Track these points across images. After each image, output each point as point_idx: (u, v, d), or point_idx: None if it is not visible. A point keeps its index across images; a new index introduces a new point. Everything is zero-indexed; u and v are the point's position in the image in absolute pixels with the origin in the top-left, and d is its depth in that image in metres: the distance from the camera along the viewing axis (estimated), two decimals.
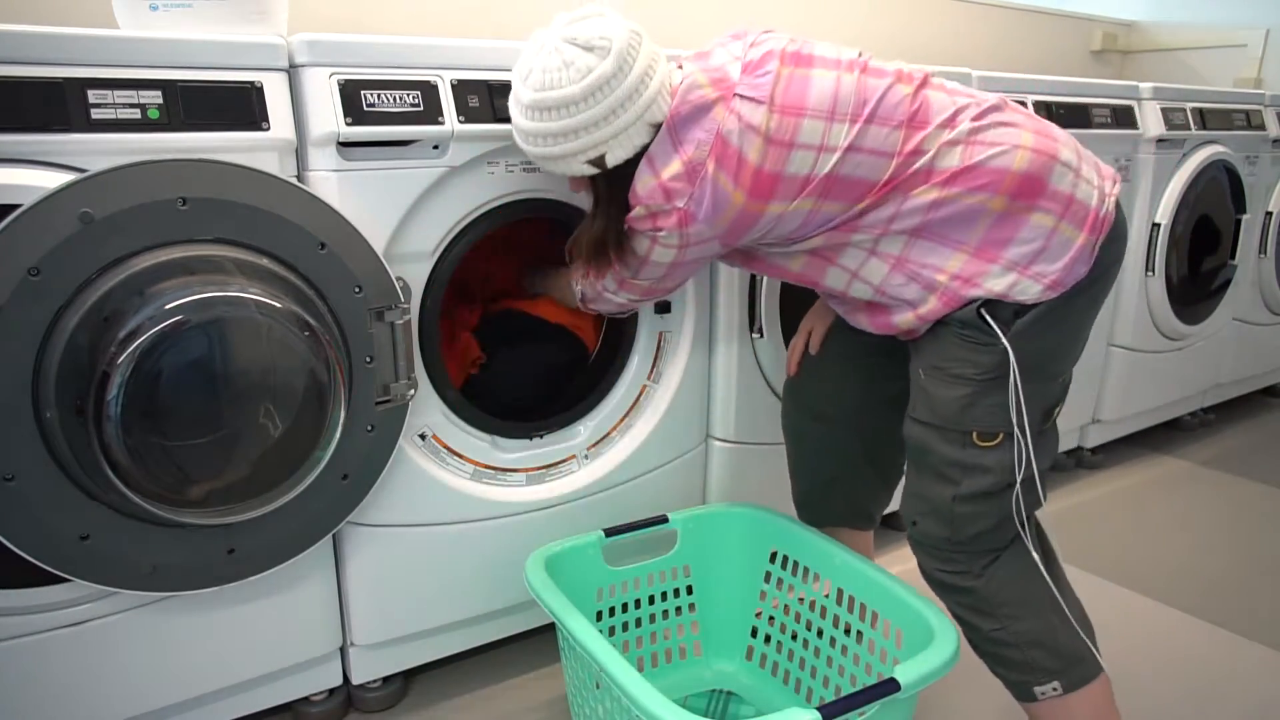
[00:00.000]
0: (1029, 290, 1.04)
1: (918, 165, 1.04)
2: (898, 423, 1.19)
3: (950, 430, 1.09)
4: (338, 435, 1.13)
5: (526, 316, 1.53)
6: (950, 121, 1.05)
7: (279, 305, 1.05)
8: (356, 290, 1.16)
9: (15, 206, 0.95)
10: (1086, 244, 1.04)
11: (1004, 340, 1.05)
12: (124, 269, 1.00)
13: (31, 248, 0.96)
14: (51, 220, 0.96)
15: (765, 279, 1.51)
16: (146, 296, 1.00)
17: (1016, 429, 1.06)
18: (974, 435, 1.08)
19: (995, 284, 1.05)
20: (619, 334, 1.48)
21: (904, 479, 1.18)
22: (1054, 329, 1.07)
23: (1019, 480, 1.09)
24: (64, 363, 0.98)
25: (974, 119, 1.06)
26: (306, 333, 1.06)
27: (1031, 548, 1.12)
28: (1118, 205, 1.08)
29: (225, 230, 1.06)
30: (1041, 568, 1.12)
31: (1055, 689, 1.11)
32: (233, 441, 1.05)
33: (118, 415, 0.96)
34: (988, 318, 1.05)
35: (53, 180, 0.98)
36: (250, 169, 1.07)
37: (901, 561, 1.81)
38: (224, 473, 1.06)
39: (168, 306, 0.98)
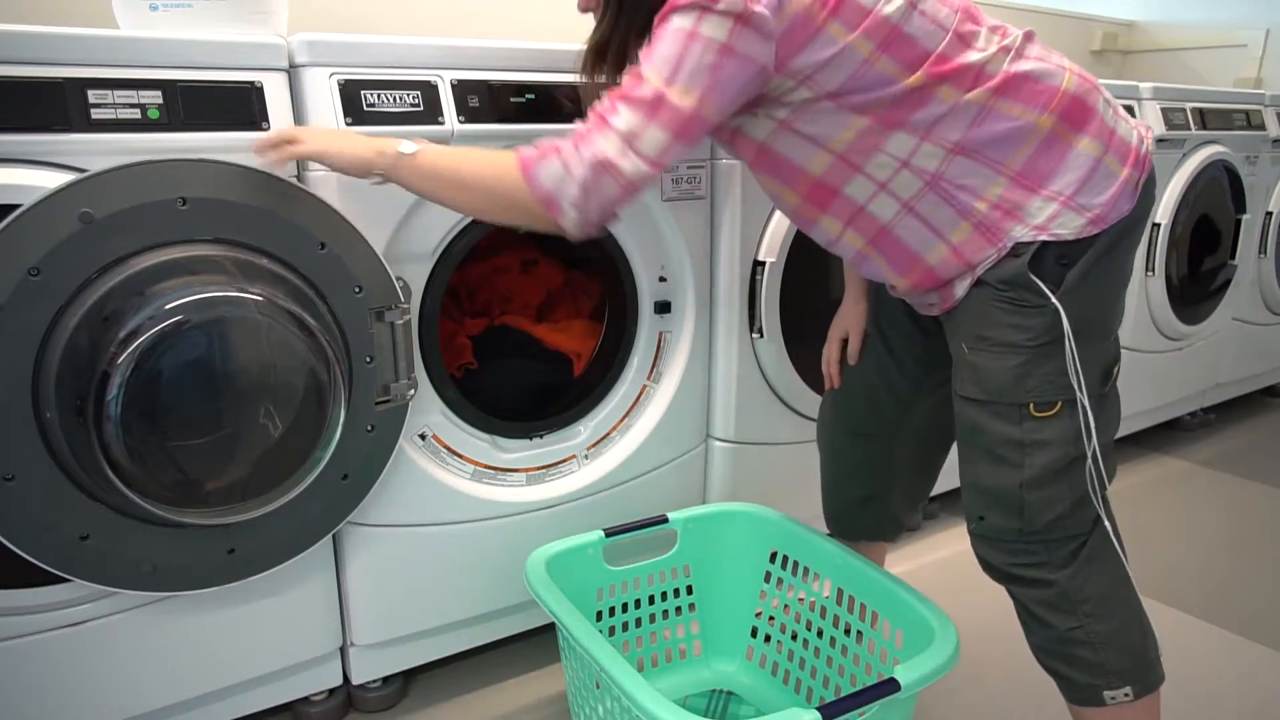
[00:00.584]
0: (1070, 224, 0.98)
1: (970, 58, 0.98)
2: (943, 426, 1.14)
3: (1004, 404, 1.02)
4: (338, 435, 1.13)
5: (524, 334, 1.54)
6: (999, 29, 1.02)
7: (279, 305, 1.05)
8: (356, 290, 1.16)
9: (15, 206, 0.95)
10: (1130, 179, 1.00)
11: (1054, 300, 0.99)
12: (124, 269, 1.00)
13: (32, 248, 0.96)
14: (52, 220, 0.96)
15: (766, 277, 1.51)
16: (146, 296, 1.00)
17: (1078, 392, 1.00)
18: (1030, 407, 1.01)
19: (1036, 217, 0.99)
20: (619, 334, 1.48)
21: (960, 474, 1.10)
22: (1100, 282, 1.02)
23: (1090, 452, 1.02)
24: (64, 363, 0.98)
25: (1023, 34, 1.03)
26: (306, 333, 1.06)
27: (1113, 533, 1.05)
28: None
29: (225, 230, 1.06)
30: (1124, 558, 1.06)
31: (1127, 694, 1.04)
32: (233, 441, 1.05)
33: (118, 415, 0.96)
34: (1036, 278, 0.99)
35: (53, 180, 0.98)
36: (250, 169, 1.07)
37: (901, 562, 1.81)
38: (224, 473, 1.06)
39: (168, 306, 0.98)
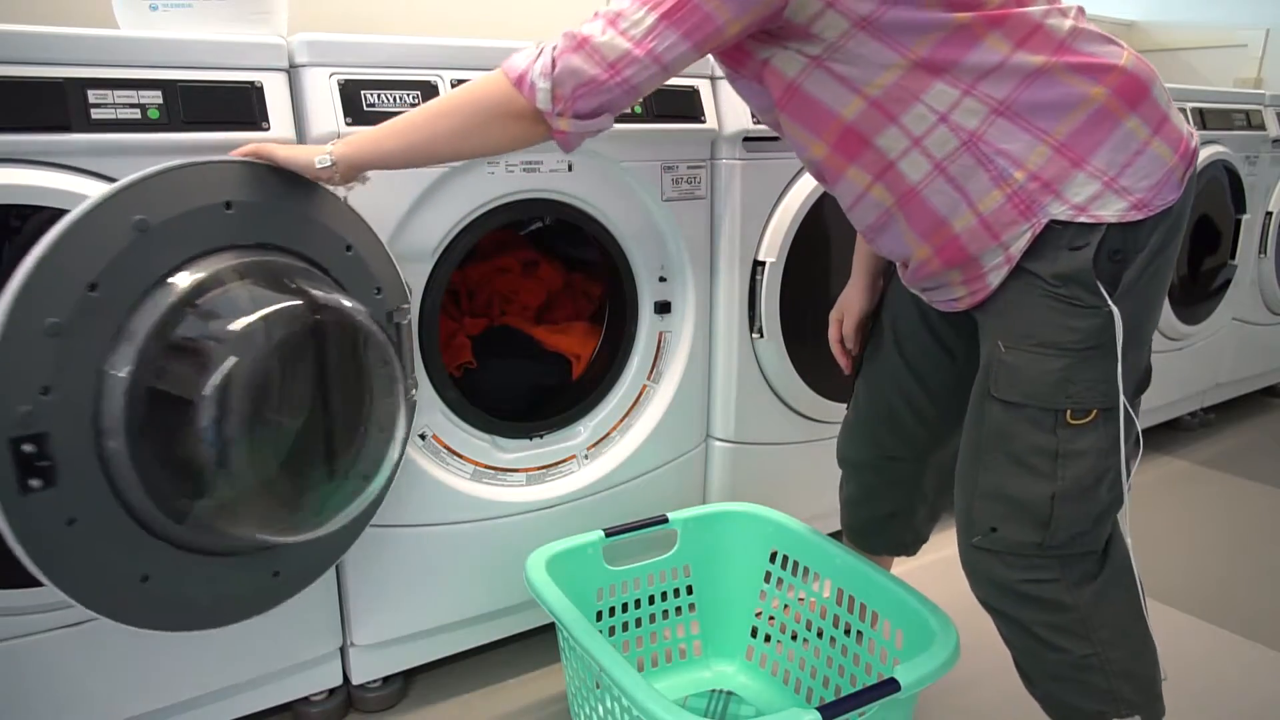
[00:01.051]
0: (1111, 206, 0.92)
1: (1027, 11, 0.93)
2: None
3: (1039, 409, 0.96)
4: (404, 439, 1.11)
5: (523, 335, 1.55)
6: (1056, 2, 0.97)
7: (353, 312, 1.02)
8: (377, 292, 1.15)
9: (15, 206, 0.95)
10: (1177, 169, 0.94)
11: (1110, 303, 0.93)
12: (181, 279, 0.96)
13: (89, 261, 0.91)
14: (107, 230, 0.92)
15: (766, 277, 1.51)
16: (205, 309, 0.95)
17: (1120, 401, 0.95)
18: (1068, 414, 0.95)
19: (1077, 194, 0.92)
20: (618, 333, 1.48)
21: (974, 481, 1.03)
22: (1151, 283, 0.97)
23: (1125, 465, 0.97)
24: (132, 388, 0.92)
25: (1077, 9, 0.98)
26: (374, 338, 1.05)
27: (1130, 551, 1.00)
28: None
29: (267, 234, 1.04)
30: (1138, 582, 1.01)
31: None
32: (321, 457, 1.03)
33: (213, 439, 0.91)
34: (1096, 278, 0.93)
35: (53, 180, 0.98)
36: (286, 170, 1.04)
37: (902, 562, 1.81)
38: (307, 491, 1.03)
39: (237, 326, 0.94)
